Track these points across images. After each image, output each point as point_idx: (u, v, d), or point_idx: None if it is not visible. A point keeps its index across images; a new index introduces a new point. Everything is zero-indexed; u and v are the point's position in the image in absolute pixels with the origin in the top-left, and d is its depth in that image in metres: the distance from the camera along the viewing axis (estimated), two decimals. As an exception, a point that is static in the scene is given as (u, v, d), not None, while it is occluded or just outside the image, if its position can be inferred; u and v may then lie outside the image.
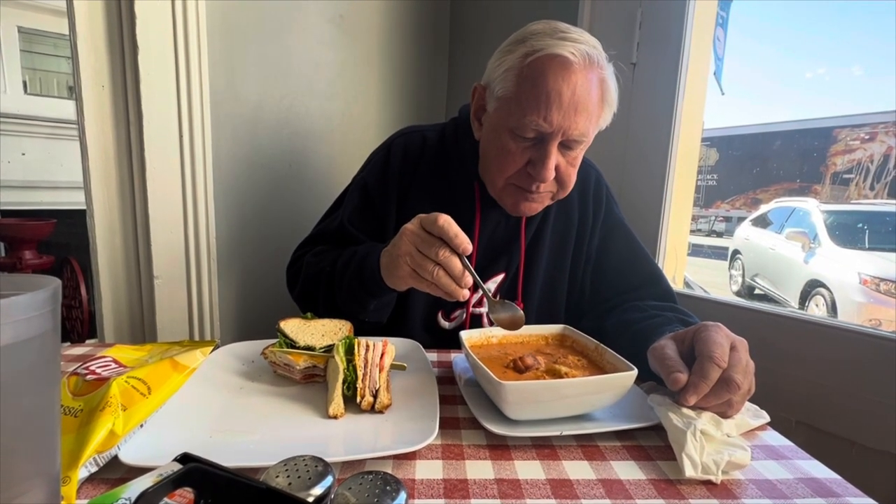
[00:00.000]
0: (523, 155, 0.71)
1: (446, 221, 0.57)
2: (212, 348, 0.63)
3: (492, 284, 0.84)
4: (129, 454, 0.42)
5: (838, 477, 0.47)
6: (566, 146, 0.71)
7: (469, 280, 0.59)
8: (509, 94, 0.70)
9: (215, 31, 1.16)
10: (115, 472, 0.42)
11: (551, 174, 0.71)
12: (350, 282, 0.72)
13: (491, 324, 0.86)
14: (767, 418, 0.57)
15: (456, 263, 0.58)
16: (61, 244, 2.48)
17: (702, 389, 0.50)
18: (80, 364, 0.52)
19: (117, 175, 1.09)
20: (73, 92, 1.04)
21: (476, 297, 0.84)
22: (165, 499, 0.23)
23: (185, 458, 0.27)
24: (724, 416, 0.52)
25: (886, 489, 0.78)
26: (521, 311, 0.62)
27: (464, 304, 0.84)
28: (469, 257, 0.80)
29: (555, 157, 0.70)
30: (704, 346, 0.52)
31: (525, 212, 0.78)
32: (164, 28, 1.06)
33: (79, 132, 1.04)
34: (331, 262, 0.78)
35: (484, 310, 0.85)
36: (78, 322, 2.25)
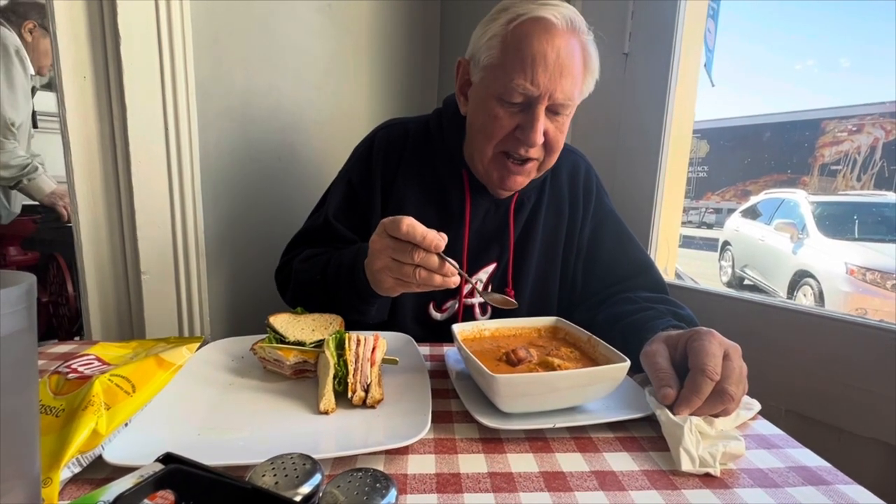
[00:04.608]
0: (512, 120, 0.71)
1: (409, 226, 0.56)
2: (198, 345, 0.62)
3: (483, 274, 0.84)
4: (114, 454, 0.41)
5: (828, 465, 0.47)
6: (553, 111, 0.71)
7: (451, 267, 0.59)
8: (495, 61, 0.71)
9: (200, 19, 1.13)
10: (99, 473, 0.41)
11: (540, 138, 0.70)
12: (348, 297, 0.72)
13: (483, 314, 0.85)
14: (758, 406, 0.57)
15: (434, 261, 0.57)
16: (46, 240, 2.42)
17: (694, 404, 0.49)
18: (61, 362, 0.50)
19: (101, 169, 1.06)
20: (54, 83, 1.01)
21: (468, 287, 0.84)
22: (146, 501, 0.22)
23: (167, 459, 0.26)
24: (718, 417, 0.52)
25: (873, 475, 0.79)
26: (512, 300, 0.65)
27: (456, 295, 0.83)
28: (457, 247, 0.80)
29: (543, 121, 0.70)
30: (697, 358, 0.51)
31: (511, 186, 0.77)
32: (146, 16, 1.03)
33: (60, 125, 1.02)
34: (320, 271, 0.77)
35: (476, 300, 0.84)
36: (65, 319, 2.21)
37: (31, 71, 1.92)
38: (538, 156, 0.74)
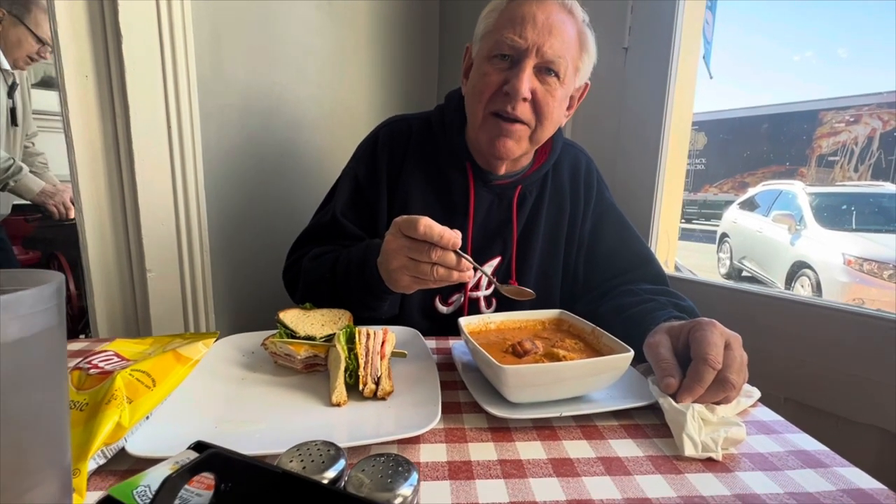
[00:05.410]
0: (499, 76, 0.73)
1: (426, 226, 0.56)
2: (214, 340, 0.63)
3: (488, 268, 0.85)
4: (137, 446, 0.42)
5: (826, 448, 0.49)
6: (543, 70, 0.72)
7: (467, 262, 0.60)
8: (490, 28, 0.74)
9: (201, 17, 1.13)
10: (122, 464, 0.43)
11: (525, 88, 0.70)
12: (360, 294, 0.72)
13: (489, 307, 0.87)
14: (758, 394, 0.59)
15: (452, 258, 0.58)
16: (47, 239, 2.43)
17: (696, 392, 0.51)
18: (81, 359, 0.52)
19: (105, 168, 1.07)
20: (56, 82, 1.01)
21: (473, 280, 0.85)
22: (185, 485, 0.24)
23: (199, 447, 0.27)
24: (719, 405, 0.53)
25: (871, 462, 0.81)
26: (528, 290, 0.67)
27: (461, 289, 0.85)
28: (462, 241, 0.81)
29: (529, 75, 0.71)
30: (699, 348, 0.52)
31: (502, 151, 0.76)
32: (148, 15, 1.03)
33: (63, 124, 1.02)
34: (329, 269, 0.77)
35: (481, 293, 0.86)
36: (67, 318, 2.22)
37: (6, 66, 1.75)
38: (527, 118, 0.74)
